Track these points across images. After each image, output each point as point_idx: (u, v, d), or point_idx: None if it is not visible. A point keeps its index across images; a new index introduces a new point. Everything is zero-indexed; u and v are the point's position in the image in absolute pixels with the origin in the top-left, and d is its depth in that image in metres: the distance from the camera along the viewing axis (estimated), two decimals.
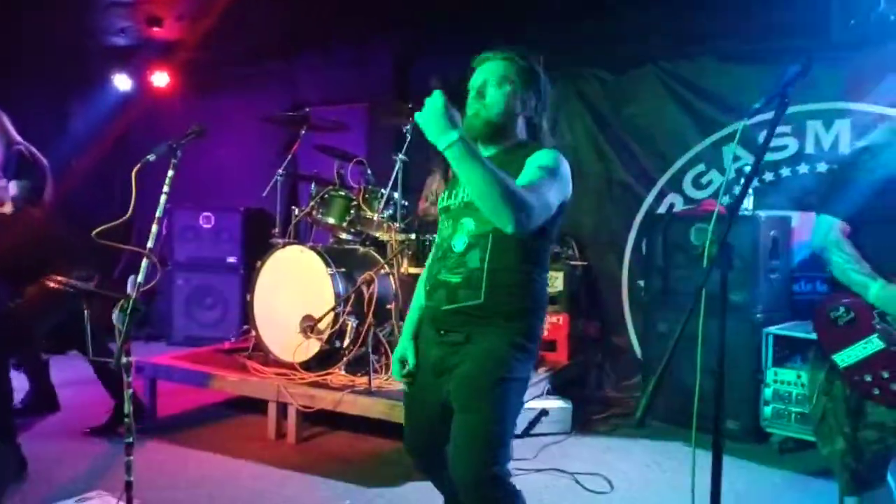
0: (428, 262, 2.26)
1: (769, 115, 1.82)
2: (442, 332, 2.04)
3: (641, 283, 4.60)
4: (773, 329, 3.78)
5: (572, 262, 4.79)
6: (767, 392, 3.73)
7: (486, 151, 2.06)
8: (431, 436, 2.14)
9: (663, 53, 4.73)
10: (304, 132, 4.57)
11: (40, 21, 5.38)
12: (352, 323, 3.80)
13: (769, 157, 4.39)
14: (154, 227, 2.40)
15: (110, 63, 6.31)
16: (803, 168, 4.38)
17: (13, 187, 3.51)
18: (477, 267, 1.96)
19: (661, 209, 4.75)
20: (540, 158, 1.97)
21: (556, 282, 4.58)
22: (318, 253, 3.92)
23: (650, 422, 4.08)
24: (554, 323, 4.51)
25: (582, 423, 4.11)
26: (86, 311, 2.87)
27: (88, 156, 6.21)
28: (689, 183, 4.71)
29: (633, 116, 4.86)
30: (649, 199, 4.82)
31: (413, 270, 3.95)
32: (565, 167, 2.00)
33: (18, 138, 3.75)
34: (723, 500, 2.97)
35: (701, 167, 4.66)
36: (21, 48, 5.80)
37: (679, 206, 4.71)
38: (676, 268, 4.19)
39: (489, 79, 2.06)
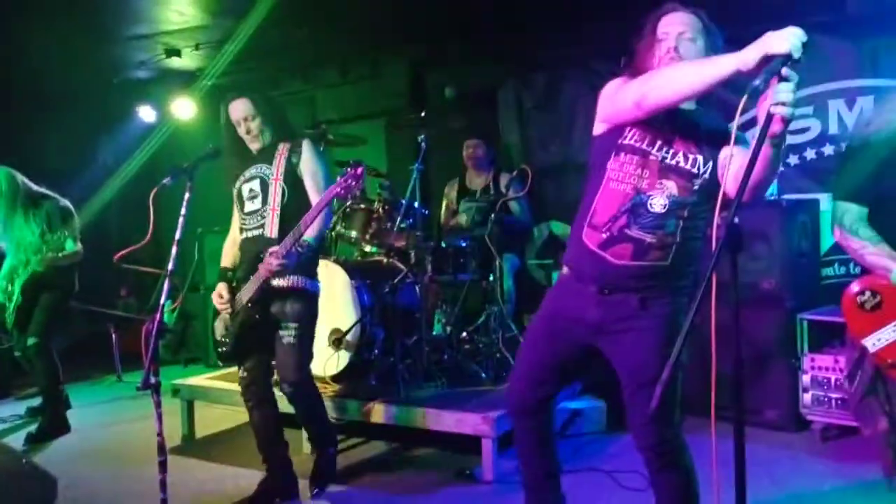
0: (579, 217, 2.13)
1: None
2: (606, 291, 2.03)
3: None
4: (807, 315, 3.69)
5: None
6: (805, 379, 3.64)
7: (690, 105, 2.09)
8: (552, 374, 2.21)
9: None
10: (322, 149, 4.62)
11: (63, 59, 5.55)
12: (379, 334, 3.82)
13: (792, 140, 4.30)
14: (174, 249, 2.47)
15: (134, 96, 6.49)
16: (828, 149, 4.29)
17: (72, 244, 4.14)
18: (672, 232, 1.97)
19: None
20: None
21: None
22: (343, 266, 3.96)
23: (686, 416, 4.02)
24: None
25: (619, 422, 4.06)
26: (114, 335, 2.96)
27: (118, 187, 6.39)
28: None
29: None
30: None
31: (438, 278, 3.96)
32: None
33: (43, 191, 4.15)
34: (765, 490, 2.95)
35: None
36: (46, 87, 5.99)
37: None
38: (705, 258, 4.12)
39: (685, 31, 2.02)
